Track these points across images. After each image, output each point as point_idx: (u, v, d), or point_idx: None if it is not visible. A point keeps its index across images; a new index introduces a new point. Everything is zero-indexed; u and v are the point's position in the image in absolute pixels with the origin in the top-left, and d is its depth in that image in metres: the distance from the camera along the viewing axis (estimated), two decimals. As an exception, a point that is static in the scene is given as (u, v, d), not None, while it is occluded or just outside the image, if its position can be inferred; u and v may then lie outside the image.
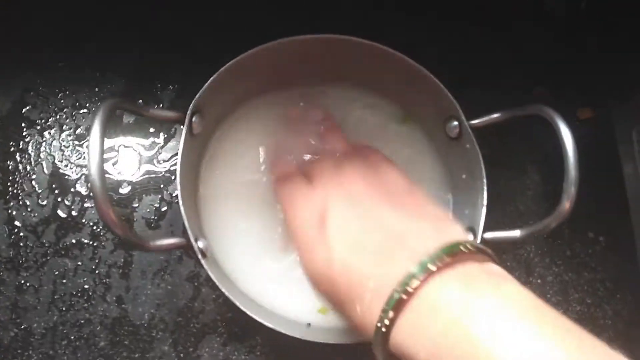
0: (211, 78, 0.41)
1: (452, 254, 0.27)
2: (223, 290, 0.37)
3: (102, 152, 0.31)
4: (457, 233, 0.31)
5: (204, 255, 0.39)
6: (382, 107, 0.49)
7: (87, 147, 0.31)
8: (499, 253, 0.51)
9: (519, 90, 0.56)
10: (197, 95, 0.41)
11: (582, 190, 0.54)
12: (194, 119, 0.41)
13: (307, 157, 0.45)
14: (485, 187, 0.42)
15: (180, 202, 0.38)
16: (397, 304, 0.26)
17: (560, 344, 0.22)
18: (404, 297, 0.26)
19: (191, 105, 0.41)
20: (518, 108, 0.41)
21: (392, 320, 0.26)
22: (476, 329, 0.23)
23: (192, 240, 0.38)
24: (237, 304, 0.37)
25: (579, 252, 0.52)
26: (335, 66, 0.46)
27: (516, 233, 0.41)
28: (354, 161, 0.38)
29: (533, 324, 0.23)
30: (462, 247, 0.28)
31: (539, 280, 0.51)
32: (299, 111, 0.47)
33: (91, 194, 0.30)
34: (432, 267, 0.26)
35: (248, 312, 0.37)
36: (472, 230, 0.43)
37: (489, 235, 0.42)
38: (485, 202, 0.42)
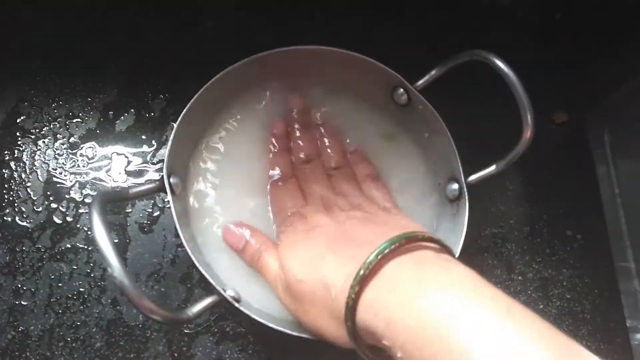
0: (172, 133, 0.44)
1: (409, 240, 0.32)
2: (268, 323, 0.40)
3: (115, 249, 0.31)
4: (418, 227, 0.36)
5: (238, 301, 0.41)
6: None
7: (96, 245, 0.31)
8: (481, 252, 0.53)
9: (500, 98, 0.57)
10: (165, 160, 0.43)
11: (559, 190, 0.57)
12: (172, 180, 0.42)
13: (302, 156, 0.49)
14: (450, 138, 0.45)
15: (198, 264, 0.40)
16: (361, 280, 0.31)
17: (494, 311, 0.26)
18: (366, 273, 0.31)
19: (164, 171, 0.42)
20: (452, 58, 0.43)
21: (358, 294, 0.31)
22: (425, 305, 0.27)
23: (223, 293, 0.40)
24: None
25: (557, 250, 0.54)
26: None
27: (493, 168, 0.44)
28: (346, 184, 0.47)
29: (473, 299, 0.27)
30: (419, 235, 0.33)
31: (520, 277, 0.53)
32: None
33: (120, 285, 0.31)
34: (391, 248, 0.31)
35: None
36: (455, 179, 0.46)
37: (472, 178, 0.45)
38: (456, 151, 0.45)
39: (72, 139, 0.54)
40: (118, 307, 0.48)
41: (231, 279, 0.45)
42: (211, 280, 0.40)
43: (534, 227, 0.55)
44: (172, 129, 0.44)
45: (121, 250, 0.50)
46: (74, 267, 0.49)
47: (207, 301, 0.39)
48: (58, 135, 0.54)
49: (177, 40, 0.57)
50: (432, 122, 0.46)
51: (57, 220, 0.50)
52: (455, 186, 0.46)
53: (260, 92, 0.51)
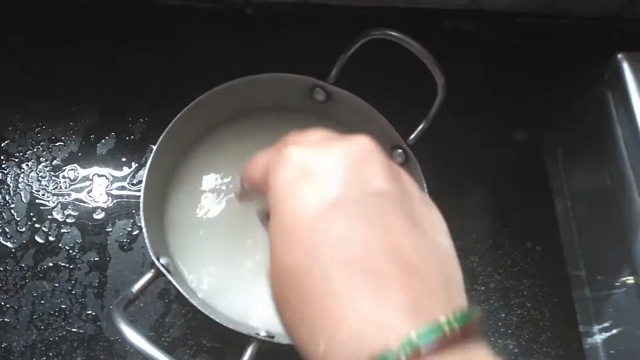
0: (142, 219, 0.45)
1: (462, 326, 0.21)
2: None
3: (160, 349, 0.35)
4: (462, 295, 0.24)
5: (272, 337, 0.43)
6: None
7: (142, 354, 0.36)
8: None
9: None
10: (148, 246, 0.44)
11: (519, 204, 0.60)
12: (162, 262, 0.44)
13: None
14: (378, 113, 0.50)
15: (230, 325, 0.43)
16: None
17: None
18: None
19: (153, 258, 0.43)
20: (351, 42, 0.48)
21: None
22: None
23: (259, 337, 0.42)
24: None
25: (518, 261, 0.57)
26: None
27: (423, 123, 0.49)
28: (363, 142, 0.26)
29: None
30: (472, 318, 0.21)
31: (482, 288, 0.56)
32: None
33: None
34: (437, 338, 0.20)
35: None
36: (397, 146, 0.51)
37: (411, 138, 0.50)
38: (387, 121, 0.50)
39: (54, 162, 0.56)
40: (98, 323, 0.50)
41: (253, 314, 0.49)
42: (245, 332, 0.42)
43: (496, 240, 0.58)
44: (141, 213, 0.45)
45: (101, 267, 0.52)
46: (56, 284, 0.51)
47: (249, 351, 0.41)
48: (41, 159, 0.56)
49: (157, 65, 0.60)
50: (356, 105, 0.51)
51: (39, 240, 0.53)
52: (400, 151, 0.51)
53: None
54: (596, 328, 0.49)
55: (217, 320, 0.42)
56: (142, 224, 0.45)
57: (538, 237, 0.58)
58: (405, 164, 0.51)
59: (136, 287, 0.42)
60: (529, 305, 0.56)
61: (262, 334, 0.44)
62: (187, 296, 0.43)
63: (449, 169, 0.60)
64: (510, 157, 0.62)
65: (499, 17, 0.67)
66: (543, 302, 0.56)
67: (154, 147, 0.47)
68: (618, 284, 0.45)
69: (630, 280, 0.44)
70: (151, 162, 0.47)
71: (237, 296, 0.49)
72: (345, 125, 0.55)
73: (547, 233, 0.58)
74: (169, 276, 0.43)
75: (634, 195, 0.43)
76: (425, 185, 0.49)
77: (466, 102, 0.63)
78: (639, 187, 0.43)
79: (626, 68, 0.45)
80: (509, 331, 0.55)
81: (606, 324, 0.47)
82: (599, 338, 0.48)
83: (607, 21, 0.69)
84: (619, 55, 0.46)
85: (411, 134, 0.50)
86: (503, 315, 0.56)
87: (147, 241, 0.44)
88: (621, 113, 0.45)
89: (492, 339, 0.54)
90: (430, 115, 0.48)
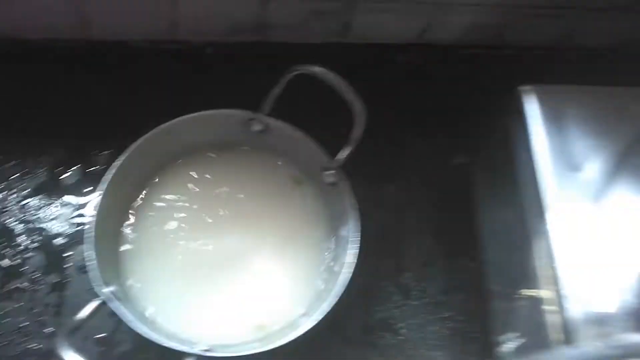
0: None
1: None
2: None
3: None
4: None
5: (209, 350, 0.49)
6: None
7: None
8: (382, 280, 0.60)
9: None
10: (94, 278, 0.49)
11: (453, 223, 0.64)
12: (110, 289, 0.50)
13: None
14: (310, 140, 0.56)
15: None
16: None
17: None
18: None
19: (96, 289, 0.49)
20: (283, 78, 0.54)
21: None
22: None
23: (198, 352, 0.48)
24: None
25: (452, 277, 0.61)
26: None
27: (347, 147, 0.54)
28: None
29: None
30: None
31: (415, 302, 0.60)
32: None
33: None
34: None
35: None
36: (327, 167, 0.56)
37: (338, 160, 0.55)
38: (317, 146, 0.56)
39: (24, 192, 0.62)
40: (55, 339, 0.55)
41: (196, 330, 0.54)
42: (178, 349, 0.47)
43: (431, 257, 0.62)
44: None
45: (61, 288, 0.57)
46: (19, 304, 0.56)
47: None
48: (12, 189, 0.62)
49: (122, 101, 0.66)
50: (289, 133, 0.57)
51: (6, 263, 0.58)
52: (330, 172, 0.56)
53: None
54: (507, 338, 0.52)
55: (152, 338, 0.47)
56: (86, 256, 0.50)
57: (470, 255, 0.62)
58: (336, 184, 0.56)
59: (80, 315, 0.48)
60: (461, 318, 0.60)
61: (202, 348, 0.48)
62: (125, 320, 0.48)
63: (387, 191, 0.64)
64: (448, 180, 0.66)
65: (445, 50, 0.72)
66: (475, 315, 0.60)
67: (107, 180, 0.53)
68: (523, 296, 0.49)
69: (530, 292, 0.47)
70: (101, 201, 0.52)
71: (183, 313, 0.54)
72: (281, 152, 0.60)
73: (478, 251, 0.62)
74: (110, 305, 0.49)
75: (529, 217, 0.47)
76: (356, 204, 0.54)
77: (409, 129, 0.68)
78: (534, 210, 0.47)
79: (527, 99, 0.50)
80: (440, 343, 0.58)
81: (516, 334, 0.51)
82: (509, 347, 0.52)
83: (548, 51, 0.73)
84: (521, 88, 0.50)
85: (336, 155, 0.55)
86: (437, 328, 0.59)
87: (93, 274, 0.49)
88: (522, 141, 0.49)
89: (422, 350, 0.58)
90: (352, 139, 0.53)
